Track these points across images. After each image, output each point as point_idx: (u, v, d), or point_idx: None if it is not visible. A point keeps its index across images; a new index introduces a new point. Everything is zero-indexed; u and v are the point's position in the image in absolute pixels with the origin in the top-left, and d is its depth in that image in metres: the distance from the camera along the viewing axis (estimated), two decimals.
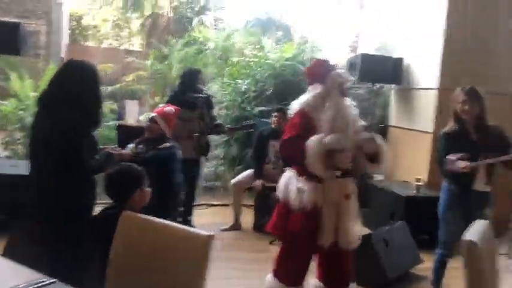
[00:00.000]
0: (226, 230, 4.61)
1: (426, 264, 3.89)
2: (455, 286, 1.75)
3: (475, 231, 1.87)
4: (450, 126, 3.10)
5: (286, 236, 2.81)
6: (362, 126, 2.73)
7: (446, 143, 3.06)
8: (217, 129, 4.60)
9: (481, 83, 4.66)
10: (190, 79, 4.39)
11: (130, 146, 3.34)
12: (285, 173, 2.82)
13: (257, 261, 3.92)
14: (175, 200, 3.47)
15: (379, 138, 2.64)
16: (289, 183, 2.71)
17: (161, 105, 3.91)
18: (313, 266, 2.87)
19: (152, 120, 3.50)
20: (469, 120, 3.00)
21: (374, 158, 2.64)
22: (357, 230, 2.74)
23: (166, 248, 1.78)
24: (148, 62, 7.43)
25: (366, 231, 3.80)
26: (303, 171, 2.63)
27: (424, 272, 3.83)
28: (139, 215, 1.91)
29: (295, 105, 2.76)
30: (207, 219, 4.61)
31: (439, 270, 3.24)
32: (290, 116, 2.86)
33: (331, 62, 2.82)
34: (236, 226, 4.73)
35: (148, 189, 2.26)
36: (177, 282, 1.75)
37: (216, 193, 5.88)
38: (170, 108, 3.56)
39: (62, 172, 2.28)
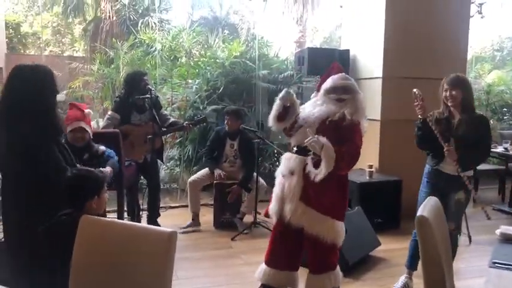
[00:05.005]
0: (185, 228, 4.55)
1: (384, 247, 4.04)
2: None
3: (427, 207, 1.97)
4: (438, 111, 3.16)
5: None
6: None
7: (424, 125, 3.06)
8: (173, 127, 4.55)
9: (421, 71, 4.93)
10: (135, 82, 4.25)
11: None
12: None
13: (220, 258, 3.94)
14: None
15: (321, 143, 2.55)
16: None
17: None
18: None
19: (79, 129, 3.23)
20: (453, 107, 3.10)
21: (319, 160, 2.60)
22: (314, 215, 2.71)
23: (129, 248, 1.76)
24: (95, 67, 7.20)
25: None
26: None
27: (382, 254, 3.98)
28: (99, 218, 1.87)
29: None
30: (166, 221, 4.56)
31: (414, 250, 3.22)
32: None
33: (336, 67, 2.89)
34: (195, 224, 4.66)
35: (106, 196, 2.19)
36: (142, 283, 1.74)
37: (173, 195, 5.82)
38: (88, 110, 3.37)
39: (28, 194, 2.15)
